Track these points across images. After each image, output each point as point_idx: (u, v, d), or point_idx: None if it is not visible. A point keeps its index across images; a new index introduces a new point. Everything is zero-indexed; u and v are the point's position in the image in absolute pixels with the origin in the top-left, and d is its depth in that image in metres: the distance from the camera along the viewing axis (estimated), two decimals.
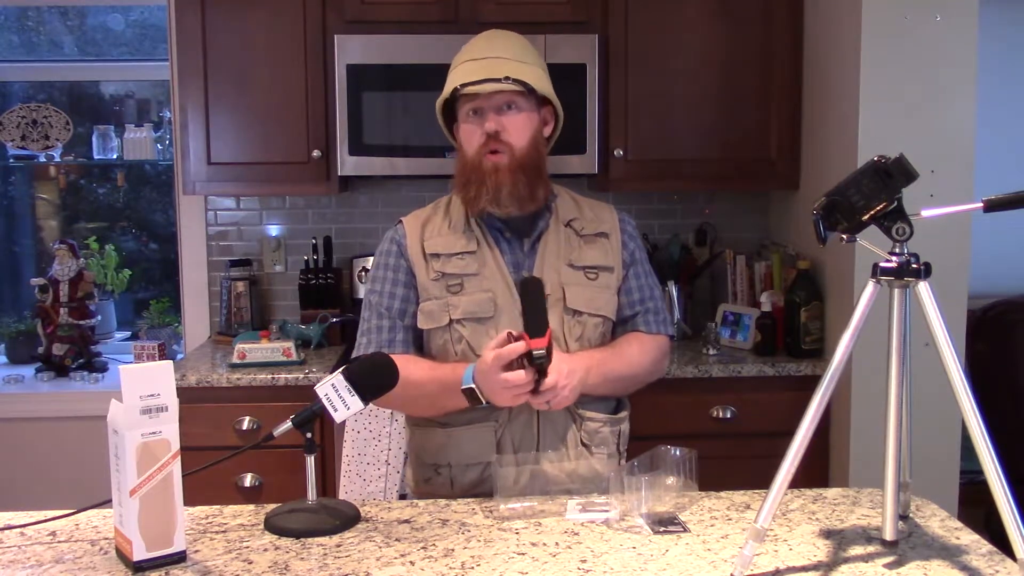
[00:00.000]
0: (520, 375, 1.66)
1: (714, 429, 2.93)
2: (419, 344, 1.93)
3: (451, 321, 1.85)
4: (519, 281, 1.79)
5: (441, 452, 1.87)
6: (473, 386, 1.72)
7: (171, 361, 1.45)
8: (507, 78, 1.82)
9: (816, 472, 2.90)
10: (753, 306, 3.25)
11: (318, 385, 1.56)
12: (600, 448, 1.88)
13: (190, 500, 1.52)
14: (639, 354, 1.93)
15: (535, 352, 1.67)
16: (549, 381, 1.70)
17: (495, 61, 1.86)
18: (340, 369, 1.57)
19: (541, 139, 1.93)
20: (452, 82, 1.88)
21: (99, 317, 3.73)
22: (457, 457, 1.85)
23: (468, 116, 1.88)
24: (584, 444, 1.87)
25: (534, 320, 1.69)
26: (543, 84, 1.89)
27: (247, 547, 1.48)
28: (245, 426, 2.87)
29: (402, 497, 2.13)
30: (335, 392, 1.55)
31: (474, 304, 1.85)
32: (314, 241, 3.44)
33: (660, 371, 2.02)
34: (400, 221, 1.98)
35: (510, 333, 1.71)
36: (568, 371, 1.74)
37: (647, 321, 1.97)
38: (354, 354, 1.91)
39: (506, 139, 1.85)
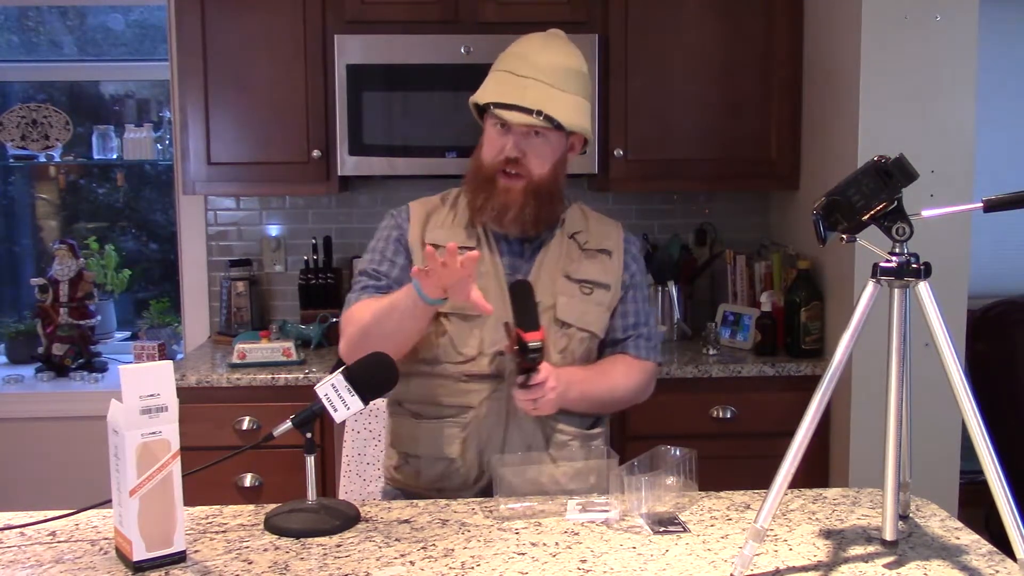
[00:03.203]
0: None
1: (714, 429, 2.93)
2: None
3: (437, 313, 1.84)
4: (509, 284, 1.79)
5: (411, 442, 1.89)
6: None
7: (171, 361, 1.45)
8: (539, 113, 1.79)
9: (816, 472, 2.90)
10: (753, 306, 3.25)
11: (318, 385, 1.56)
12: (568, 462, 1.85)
13: (190, 500, 1.52)
14: (623, 378, 1.93)
15: (531, 344, 1.67)
16: (540, 376, 1.70)
17: (533, 85, 1.80)
18: (340, 369, 1.57)
19: (562, 165, 1.90)
20: (487, 89, 1.86)
21: (99, 317, 3.73)
22: (423, 449, 1.87)
23: (495, 124, 1.86)
24: (550, 455, 1.84)
25: (528, 317, 1.69)
26: (576, 117, 1.84)
27: (247, 547, 1.48)
28: (245, 426, 2.87)
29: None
30: (335, 392, 1.55)
31: None
32: (314, 241, 3.44)
33: (643, 396, 2.00)
34: (408, 205, 1.98)
35: (507, 324, 1.71)
36: (556, 375, 1.74)
37: (637, 346, 1.96)
38: (345, 307, 1.89)
39: (525, 163, 1.83)
